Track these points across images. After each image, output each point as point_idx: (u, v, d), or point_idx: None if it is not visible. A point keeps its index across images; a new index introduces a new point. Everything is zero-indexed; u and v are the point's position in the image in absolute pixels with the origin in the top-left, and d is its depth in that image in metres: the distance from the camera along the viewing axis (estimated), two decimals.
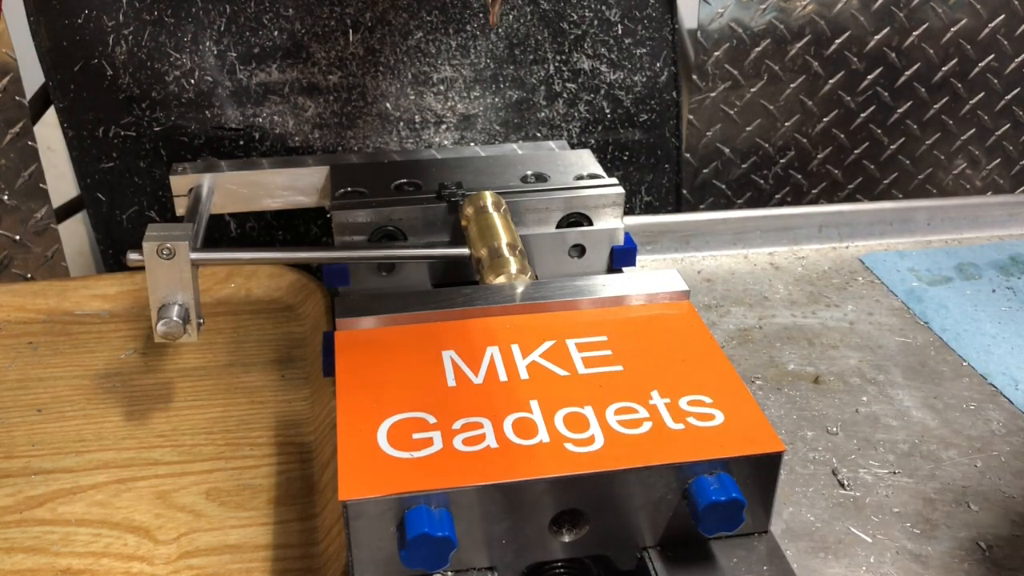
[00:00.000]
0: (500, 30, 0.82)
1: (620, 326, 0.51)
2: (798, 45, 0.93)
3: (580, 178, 0.68)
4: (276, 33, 0.79)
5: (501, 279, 0.55)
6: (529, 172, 0.69)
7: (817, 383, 0.68)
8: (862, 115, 0.98)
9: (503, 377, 0.47)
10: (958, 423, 0.64)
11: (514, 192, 0.66)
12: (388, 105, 0.83)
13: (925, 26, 0.95)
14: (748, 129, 0.96)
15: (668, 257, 0.85)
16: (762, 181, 0.99)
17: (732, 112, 0.94)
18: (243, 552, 0.54)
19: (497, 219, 0.60)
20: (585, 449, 0.42)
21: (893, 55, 0.96)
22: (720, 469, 0.43)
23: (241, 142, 0.82)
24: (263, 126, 0.81)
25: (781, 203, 1.01)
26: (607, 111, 0.87)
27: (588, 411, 0.45)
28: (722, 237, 0.85)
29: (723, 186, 0.98)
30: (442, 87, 0.83)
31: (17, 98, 0.76)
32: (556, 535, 0.43)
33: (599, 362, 0.48)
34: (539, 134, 0.87)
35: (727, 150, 0.96)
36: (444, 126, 0.84)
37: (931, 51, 0.97)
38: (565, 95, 0.86)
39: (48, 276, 0.81)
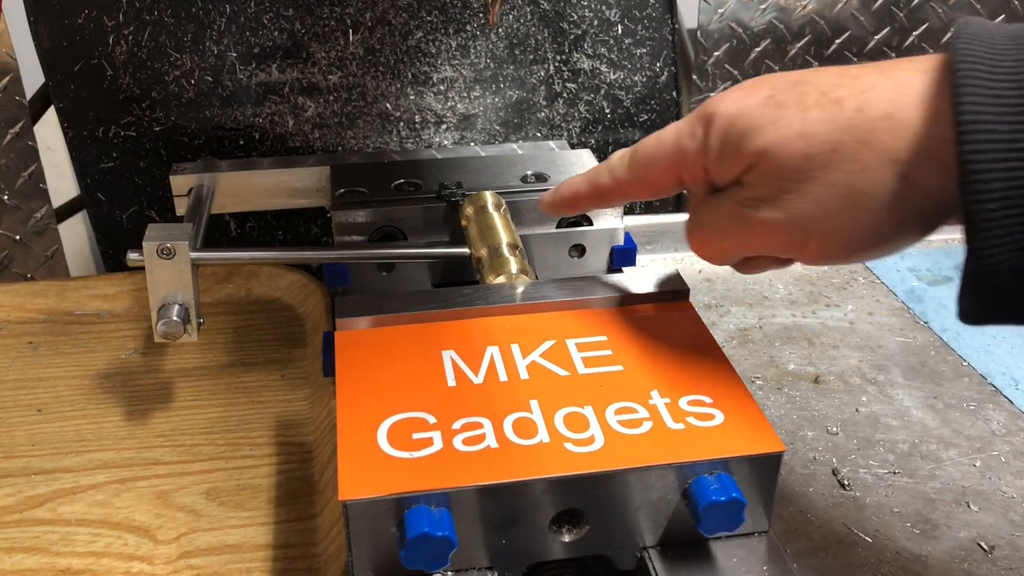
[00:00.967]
0: (500, 30, 0.82)
1: (620, 326, 0.51)
2: (798, 45, 0.93)
3: None
4: (276, 33, 0.79)
5: (501, 279, 0.55)
6: (529, 172, 0.69)
7: (817, 383, 0.68)
8: None
9: (503, 377, 0.47)
10: (958, 423, 0.64)
11: (514, 192, 0.66)
12: (388, 105, 0.83)
13: (925, 26, 0.95)
14: None
15: (668, 257, 0.85)
16: None
17: None
18: (243, 552, 0.54)
19: (497, 219, 0.60)
20: (585, 449, 0.42)
21: (893, 55, 0.96)
22: (720, 469, 0.43)
23: (241, 142, 0.82)
24: (263, 126, 0.81)
25: None
26: (607, 111, 0.87)
27: (588, 411, 0.45)
28: None
29: None
30: (442, 87, 0.83)
31: (17, 98, 0.76)
32: (556, 535, 0.43)
33: (599, 362, 0.48)
34: (539, 134, 0.87)
35: None
36: (444, 126, 0.84)
37: (931, 51, 0.97)
38: (565, 95, 0.86)
39: (48, 276, 0.81)
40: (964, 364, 0.70)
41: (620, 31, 0.85)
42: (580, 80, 0.85)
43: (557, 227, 0.66)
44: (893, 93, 0.40)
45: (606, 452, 0.42)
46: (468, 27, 0.81)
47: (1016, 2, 0.97)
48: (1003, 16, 0.97)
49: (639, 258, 0.83)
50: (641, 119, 0.89)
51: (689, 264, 0.84)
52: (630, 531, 0.43)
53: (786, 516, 0.56)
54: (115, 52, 0.77)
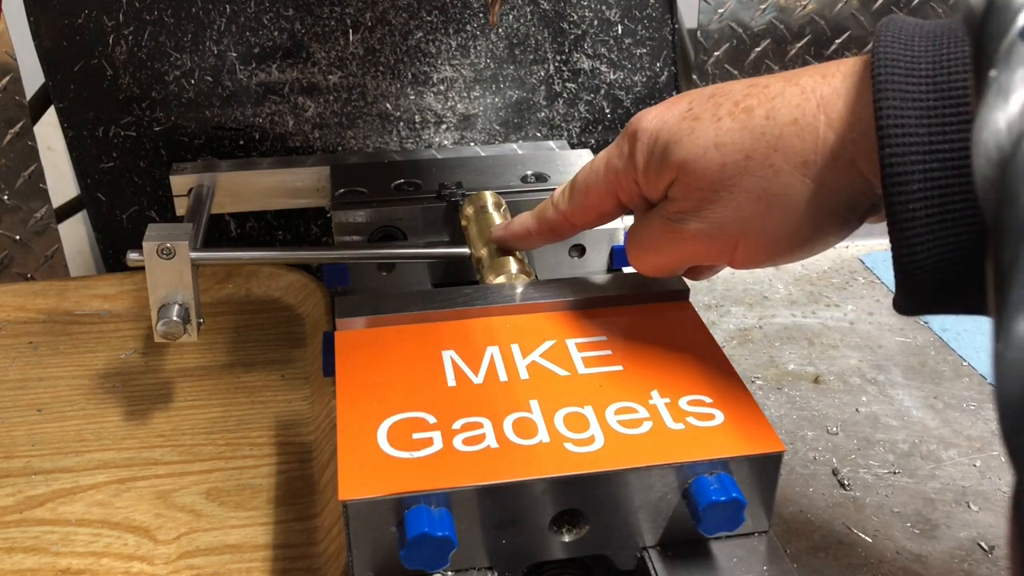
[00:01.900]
0: (500, 30, 0.82)
1: (620, 326, 0.51)
2: (798, 45, 0.93)
3: None
4: (276, 33, 0.79)
5: (501, 279, 0.55)
6: (529, 172, 0.69)
7: (817, 383, 0.68)
8: None
9: (503, 377, 0.47)
10: (958, 423, 0.64)
11: (514, 192, 0.66)
12: (388, 105, 0.83)
13: None
14: None
15: None
16: None
17: None
18: (243, 552, 0.54)
19: (497, 219, 0.60)
20: (585, 449, 0.42)
21: None
22: (720, 469, 0.43)
23: (241, 142, 0.81)
24: (263, 126, 0.81)
25: None
26: (607, 111, 0.87)
27: (588, 411, 0.45)
28: None
29: None
30: (442, 87, 0.83)
31: (17, 98, 0.76)
32: (556, 535, 0.43)
33: (599, 362, 0.48)
34: (539, 134, 0.87)
35: None
36: (444, 126, 0.84)
37: None
38: (565, 95, 0.86)
39: (48, 276, 0.81)
40: (964, 364, 0.70)
41: (620, 31, 0.85)
42: (580, 80, 0.85)
43: None
44: (799, 99, 0.42)
45: (606, 452, 0.42)
46: (468, 27, 0.81)
47: None
48: None
49: None
50: None
51: None
52: (630, 531, 0.43)
53: (786, 516, 0.56)
54: (115, 52, 0.77)
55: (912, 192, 0.37)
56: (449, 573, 0.42)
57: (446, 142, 0.85)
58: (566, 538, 0.43)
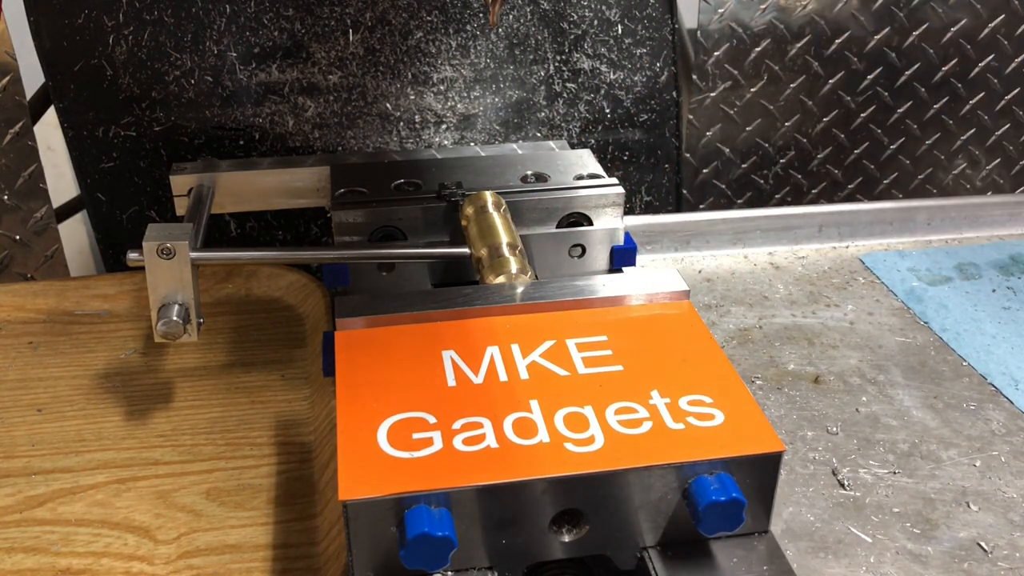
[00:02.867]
0: (500, 30, 0.82)
1: (620, 326, 0.51)
2: (798, 45, 0.93)
3: (580, 178, 0.68)
4: (276, 33, 0.79)
5: (501, 279, 0.55)
6: (529, 172, 0.69)
7: (817, 383, 0.68)
8: (862, 115, 0.98)
9: (503, 377, 0.47)
10: (958, 423, 0.64)
11: (514, 192, 0.66)
12: (388, 105, 0.83)
13: (925, 26, 0.95)
14: (748, 129, 0.96)
15: (668, 257, 0.85)
16: (762, 181, 0.99)
17: (732, 112, 0.94)
18: (243, 552, 0.54)
19: (497, 219, 0.60)
20: (585, 449, 0.42)
21: (893, 55, 0.96)
22: (720, 469, 0.43)
23: (241, 142, 0.82)
24: (263, 126, 0.81)
25: (781, 203, 1.01)
26: (607, 111, 0.87)
27: (588, 411, 0.45)
28: (722, 237, 0.85)
29: (723, 186, 0.98)
30: (442, 87, 0.83)
31: (17, 98, 0.76)
32: (556, 535, 0.43)
33: (599, 362, 0.48)
34: (539, 134, 0.87)
35: (727, 150, 0.96)
36: (444, 126, 0.84)
37: (931, 51, 0.97)
38: (565, 95, 0.86)
39: (48, 276, 0.81)
40: (964, 364, 0.70)
41: (620, 31, 0.85)
42: (580, 80, 0.85)
43: (557, 227, 0.66)
44: None
45: (606, 452, 0.42)
46: (468, 27, 0.81)
47: (1016, 2, 0.97)
48: (1003, 16, 0.97)
49: (639, 258, 0.83)
50: (641, 119, 0.89)
51: (689, 264, 0.84)
52: (630, 531, 0.43)
53: (786, 516, 0.56)
54: (115, 52, 0.77)
55: None
56: (449, 573, 0.42)
57: (446, 142, 0.85)
58: (566, 538, 0.43)
